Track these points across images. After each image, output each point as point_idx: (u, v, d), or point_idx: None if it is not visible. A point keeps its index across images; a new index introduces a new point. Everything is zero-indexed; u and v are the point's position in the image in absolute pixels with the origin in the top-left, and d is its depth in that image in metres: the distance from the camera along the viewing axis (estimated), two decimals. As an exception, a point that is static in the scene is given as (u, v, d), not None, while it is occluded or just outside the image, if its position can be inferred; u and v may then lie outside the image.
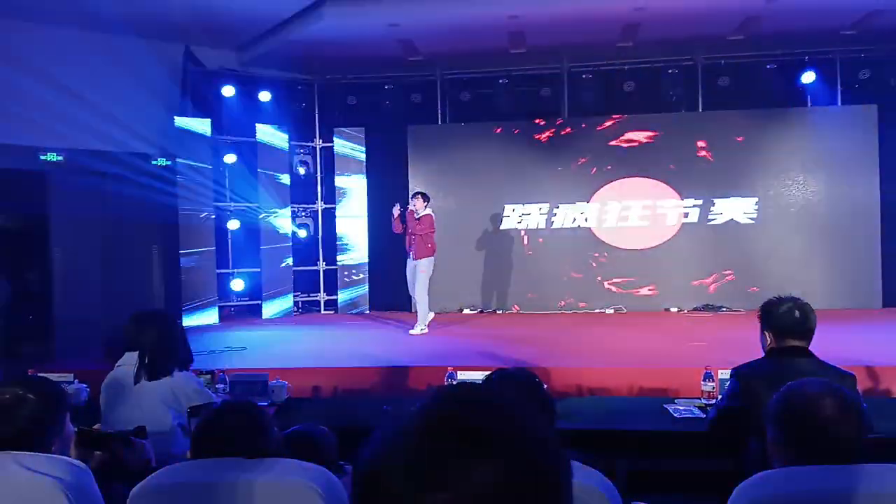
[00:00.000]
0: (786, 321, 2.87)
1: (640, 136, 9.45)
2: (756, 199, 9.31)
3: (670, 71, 9.29)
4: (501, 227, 9.77)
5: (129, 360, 3.27)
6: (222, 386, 4.21)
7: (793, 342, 2.86)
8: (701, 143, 9.37)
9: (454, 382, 3.91)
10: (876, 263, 9.04)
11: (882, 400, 4.48)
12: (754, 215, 9.32)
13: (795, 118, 9.38)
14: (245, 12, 8.15)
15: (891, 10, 7.93)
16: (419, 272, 7.69)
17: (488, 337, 7.45)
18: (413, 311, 8.20)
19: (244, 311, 9.67)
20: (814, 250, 9.17)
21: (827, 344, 3.05)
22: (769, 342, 2.93)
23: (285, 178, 9.72)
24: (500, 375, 2.08)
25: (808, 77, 9.09)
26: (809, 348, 2.88)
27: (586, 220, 9.60)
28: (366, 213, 9.97)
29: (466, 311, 9.64)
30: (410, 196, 8.10)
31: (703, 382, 3.83)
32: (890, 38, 8.66)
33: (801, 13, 8.04)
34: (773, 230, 9.27)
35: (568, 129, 9.72)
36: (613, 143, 9.51)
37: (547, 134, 9.72)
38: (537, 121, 9.75)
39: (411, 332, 7.72)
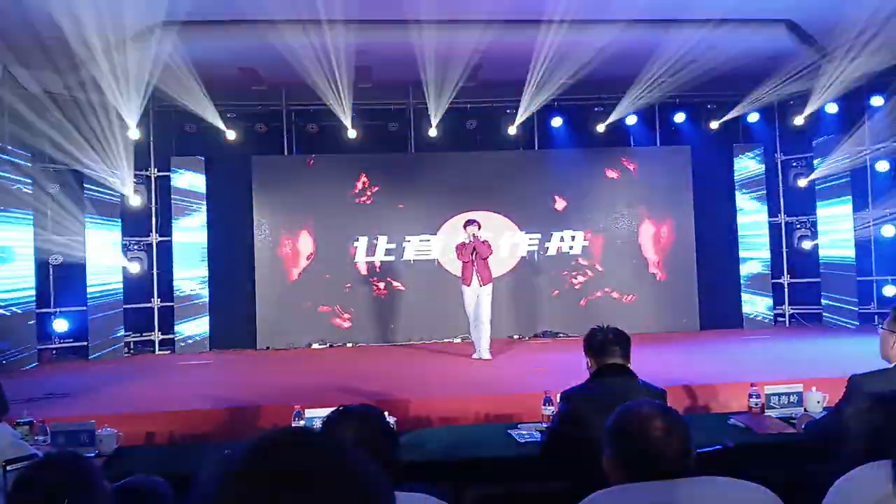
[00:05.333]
0: (601, 343, 3.17)
1: (483, 171, 9.83)
2: (588, 232, 9.95)
3: (508, 111, 9.77)
4: (349, 260, 9.73)
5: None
6: (42, 437, 3.82)
7: (611, 360, 3.12)
8: (538, 179, 9.90)
9: (301, 421, 3.81)
10: (693, 290, 9.93)
11: (701, 416, 4.89)
12: (587, 246, 9.94)
13: (620, 157, 10.16)
14: (72, 34, 7.62)
15: (701, 61, 8.84)
16: (485, 296, 7.68)
17: (338, 372, 7.35)
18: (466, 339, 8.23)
19: (68, 354, 8.89)
20: (639, 278, 9.92)
21: (651, 365, 3.30)
22: (591, 365, 3.16)
23: (116, 210, 9.12)
24: (341, 412, 2.07)
25: (631, 119, 9.92)
26: (631, 367, 3.13)
27: (432, 252, 9.79)
28: (206, 247, 9.55)
29: (315, 345, 9.46)
30: (468, 224, 7.82)
31: (543, 406, 3.99)
32: (702, 86, 9.64)
33: (622, 61, 8.76)
34: (604, 260, 9.93)
35: (414, 164, 9.93)
36: (457, 177, 9.81)
37: (394, 168, 9.86)
38: (384, 154, 9.89)
39: (477, 357, 7.70)
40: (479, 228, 7.87)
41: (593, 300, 9.78)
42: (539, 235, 9.90)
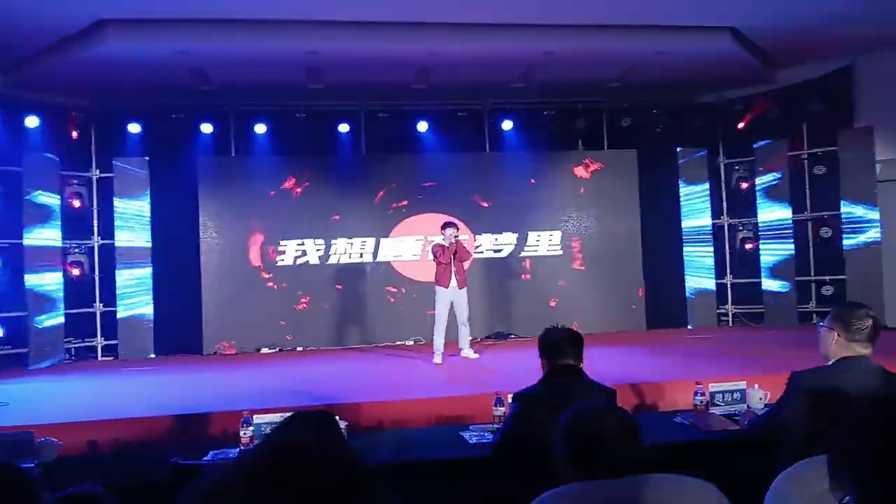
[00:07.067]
0: (554, 343, 3.20)
1: (434, 173, 9.84)
2: (538, 235, 10.05)
3: (460, 114, 9.81)
4: (301, 262, 9.62)
5: None
6: (-23, 448, 3.67)
7: (563, 360, 3.15)
8: (488, 181, 9.96)
9: (249, 427, 3.75)
10: (640, 290, 10.12)
11: (648, 413, 4.98)
12: (537, 248, 10.05)
13: (568, 159, 10.29)
14: (11, 31, 7.36)
15: (647, 66, 9.03)
16: (463, 298, 7.77)
17: (287, 377, 7.24)
18: (428, 341, 8.17)
19: (6, 361, 8.56)
20: (587, 279, 10.07)
21: (600, 365, 3.35)
22: (544, 366, 3.20)
23: (56, 212, 8.83)
24: (293, 417, 2.04)
25: (579, 123, 10.06)
26: (583, 368, 3.17)
27: (385, 254, 9.76)
28: (150, 249, 9.30)
29: (264, 350, 9.31)
30: (447, 226, 7.70)
31: (494, 408, 4.01)
32: (647, 91, 9.85)
33: (572, 65, 8.88)
34: (553, 262, 10.05)
35: (365, 165, 9.88)
36: (409, 179, 9.80)
37: (345, 170, 9.80)
38: (336, 157, 9.82)
39: (465, 355, 7.81)
40: (458, 230, 7.86)
41: (543, 301, 9.87)
42: (490, 237, 9.96)
